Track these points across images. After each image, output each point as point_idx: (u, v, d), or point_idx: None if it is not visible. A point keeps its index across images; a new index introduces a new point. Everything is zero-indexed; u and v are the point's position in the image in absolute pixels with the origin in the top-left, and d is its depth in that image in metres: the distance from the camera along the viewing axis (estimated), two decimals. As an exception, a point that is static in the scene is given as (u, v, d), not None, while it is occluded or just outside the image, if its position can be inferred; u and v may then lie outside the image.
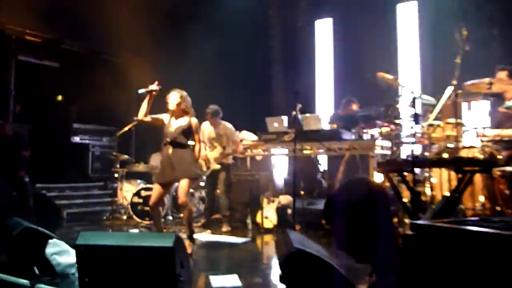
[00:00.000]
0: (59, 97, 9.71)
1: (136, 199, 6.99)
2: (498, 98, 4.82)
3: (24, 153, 6.38)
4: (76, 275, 3.52)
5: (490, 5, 7.17)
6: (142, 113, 4.98)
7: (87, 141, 9.09)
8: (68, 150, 8.89)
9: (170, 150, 4.93)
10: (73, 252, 3.63)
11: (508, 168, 3.79)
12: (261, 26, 9.53)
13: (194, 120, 4.98)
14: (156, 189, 4.90)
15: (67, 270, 3.73)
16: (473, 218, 1.59)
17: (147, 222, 6.75)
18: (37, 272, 3.63)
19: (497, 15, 7.12)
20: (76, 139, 9.03)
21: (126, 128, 7.69)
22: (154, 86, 4.95)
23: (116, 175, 7.63)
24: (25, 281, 3.41)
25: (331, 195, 1.91)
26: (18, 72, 8.40)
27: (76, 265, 3.49)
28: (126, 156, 7.81)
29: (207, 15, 8.59)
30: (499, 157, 4.37)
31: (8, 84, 8.22)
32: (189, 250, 4.82)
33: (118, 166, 7.61)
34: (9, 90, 8.18)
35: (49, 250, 3.79)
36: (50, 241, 3.85)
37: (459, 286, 1.24)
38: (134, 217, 6.94)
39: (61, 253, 3.80)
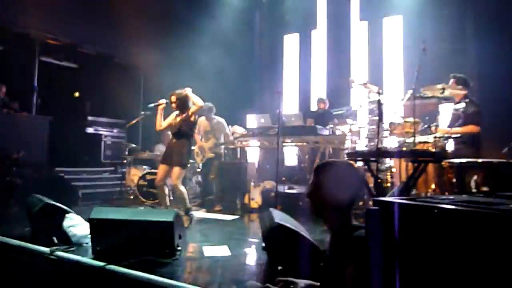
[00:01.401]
0: (76, 94, 9.60)
1: (142, 182, 6.95)
2: (449, 101, 4.89)
3: None
4: (90, 244, 3.52)
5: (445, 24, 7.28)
6: (158, 125, 5.13)
7: (100, 132, 9.00)
8: (83, 139, 8.80)
9: (173, 140, 5.07)
10: (87, 225, 3.62)
11: (455, 160, 3.85)
12: (249, 36, 9.52)
13: (191, 112, 5.00)
14: (161, 169, 4.98)
15: (81, 240, 3.73)
16: (423, 197, 1.63)
17: (151, 202, 6.72)
18: (56, 241, 3.61)
19: (450, 33, 7.24)
20: (90, 130, 8.94)
21: (133, 121, 7.67)
22: (161, 101, 5.06)
23: (124, 161, 7.64)
24: (45, 249, 3.39)
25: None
26: (41, 71, 8.28)
27: (90, 236, 3.49)
28: (133, 145, 7.79)
29: (206, 26, 8.54)
30: (448, 150, 4.45)
31: (32, 81, 8.09)
32: (187, 224, 4.86)
33: (126, 153, 7.58)
34: (33, 87, 8.07)
35: (66, 223, 3.78)
36: (67, 215, 3.84)
37: (410, 252, 1.27)
38: (140, 197, 6.91)
39: (77, 226, 3.79)
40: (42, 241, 3.59)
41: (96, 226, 3.40)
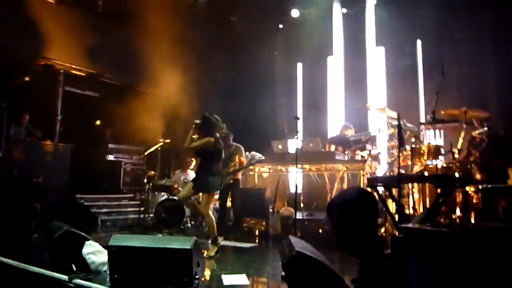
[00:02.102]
0: (98, 122, 9.82)
1: (160, 209, 6.95)
2: (470, 126, 4.79)
3: None
4: (108, 272, 3.50)
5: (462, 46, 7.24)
6: (187, 146, 5.04)
7: (120, 159, 9.13)
8: (103, 166, 8.92)
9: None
10: (105, 252, 3.60)
11: (481, 185, 3.73)
12: (267, 63, 9.64)
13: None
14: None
15: (100, 267, 3.70)
16: (447, 223, 1.57)
17: (169, 229, 6.68)
18: (74, 268, 3.60)
19: (468, 57, 7.18)
20: (111, 157, 9.07)
21: (152, 148, 7.75)
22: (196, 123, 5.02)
23: (144, 188, 7.68)
24: (64, 276, 3.38)
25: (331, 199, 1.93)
26: (64, 100, 8.53)
27: (108, 263, 3.47)
28: (152, 172, 7.85)
29: (225, 53, 8.71)
30: (476, 176, 4.33)
31: (55, 110, 8.34)
32: (213, 253, 4.74)
33: (145, 180, 7.63)
34: (56, 115, 8.30)
35: (85, 250, 3.78)
36: (86, 242, 3.84)
37: (437, 277, 1.21)
38: (158, 224, 6.89)
39: (95, 253, 3.78)
40: (61, 268, 3.58)
41: (115, 253, 3.38)
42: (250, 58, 8.92)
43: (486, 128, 4.58)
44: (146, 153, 7.89)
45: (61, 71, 8.50)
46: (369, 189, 5.26)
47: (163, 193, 7.50)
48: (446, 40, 7.35)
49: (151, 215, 7.33)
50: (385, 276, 1.53)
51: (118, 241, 3.46)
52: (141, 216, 7.36)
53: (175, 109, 8.58)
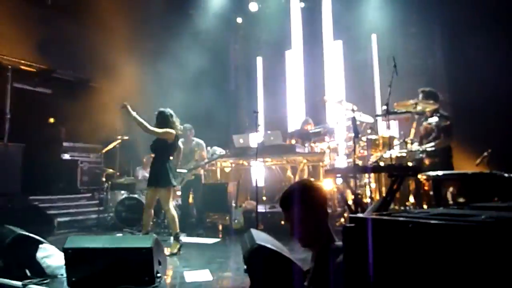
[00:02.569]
0: (51, 119, 9.40)
1: (120, 208, 6.80)
2: (421, 116, 5.01)
3: None
4: (65, 275, 3.39)
5: (414, 41, 7.55)
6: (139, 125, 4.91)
7: (76, 158, 8.82)
8: (58, 166, 8.58)
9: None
10: (61, 255, 3.49)
11: (431, 173, 3.92)
12: (226, 57, 9.60)
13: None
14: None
15: (56, 271, 3.59)
16: (399, 212, 1.65)
17: (130, 228, 6.56)
18: (28, 274, 3.47)
19: (420, 50, 7.51)
20: (66, 156, 8.74)
21: (110, 146, 7.54)
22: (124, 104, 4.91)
23: (102, 187, 7.46)
24: (18, 283, 3.25)
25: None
26: (13, 98, 8.10)
27: (65, 266, 3.37)
28: (110, 170, 7.63)
29: (182, 48, 8.57)
30: (425, 163, 4.54)
31: (3, 108, 7.90)
32: (176, 250, 4.72)
33: (104, 179, 7.43)
34: (5, 114, 7.87)
35: (39, 254, 3.65)
36: (40, 246, 3.70)
37: (388, 268, 1.27)
38: (119, 223, 6.73)
39: (51, 256, 3.66)
40: (14, 274, 3.44)
41: (71, 256, 3.28)
42: (210, 52, 8.85)
43: (436, 118, 4.80)
44: (103, 151, 7.66)
45: (9, 66, 8.05)
46: (327, 182, 5.42)
47: (123, 192, 7.33)
48: (399, 34, 7.62)
49: (111, 214, 7.15)
50: (337, 267, 1.59)
51: (74, 243, 3.37)
52: (101, 215, 7.16)
53: (132, 105, 8.38)
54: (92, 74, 8.96)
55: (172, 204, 4.95)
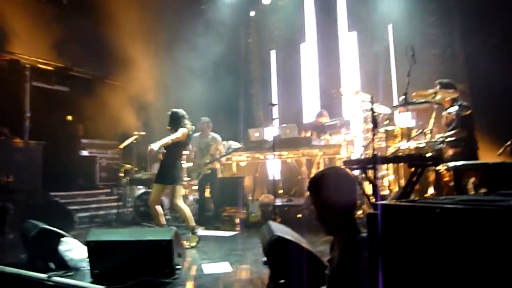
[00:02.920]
0: (69, 117, 9.57)
1: (138, 202, 6.89)
2: (441, 106, 4.92)
3: None
4: (88, 268, 3.46)
5: (433, 30, 7.40)
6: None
7: (94, 154, 8.97)
8: (77, 162, 8.75)
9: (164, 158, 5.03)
10: (84, 248, 3.56)
11: (452, 163, 3.85)
12: (239, 51, 9.58)
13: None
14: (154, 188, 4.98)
15: (79, 264, 3.67)
16: (422, 200, 1.63)
17: (149, 222, 6.64)
18: (52, 266, 3.55)
19: (439, 39, 7.36)
20: (85, 152, 8.90)
21: (127, 142, 7.63)
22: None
23: (121, 182, 7.58)
24: (43, 275, 3.33)
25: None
26: (32, 96, 8.27)
27: (87, 259, 3.44)
28: (128, 166, 7.74)
29: (197, 44, 8.60)
30: (446, 154, 4.47)
31: (23, 107, 8.08)
32: (194, 243, 4.78)
33: (122, 174, 7.54)
34: (25, 112, 8.04)
35: (62, 247, 3.73)
36: (63, 239, 3.78)
37: (412, 254, 1.26)
38: (137, 218, 6.83)
39: (73, 250, 3.74)
40: (38, 267, 3.52)
41: (94, 248, 3.35)
42: (223, 46, 8.85)
43: (456, 107, 4.71)
44: (121, 147, 7.77)
45: (27, 66, 8.23)
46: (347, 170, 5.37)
47: (140, 187, 7.43)
48: (417, 24, 7.48)
49: (129, 209, 7.26)
50: (362, 256, 1.56)
51: (97, 236, 3.43)
52: (120, 210, 7.27)
53: (148, 101, 8.47)
54: (109, 71, 9.09)
55: (182, 200, 5.01)
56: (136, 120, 8.54)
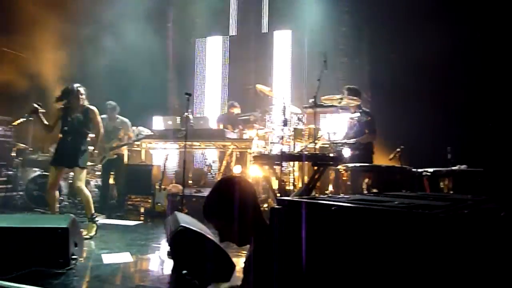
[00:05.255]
0: None
1: (31, 186, 6.30)
2: (346, 111, 5.31)
3: None
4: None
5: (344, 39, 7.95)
6: (45, 129, 4.72)
7: (-20, 130, 7.95)
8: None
9: (68, 138, 4.66)
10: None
11: (350, 164, 4.20)
12: (160, 35, 9.24)
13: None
14: (53, 171, 4.60)
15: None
16: (321, 197, 1.76)
17: (42, 209, 6.11)
18: None
19: (348, 48, 7.93)
20: (-32, 127, 7.85)
21: (22, 119, 6.88)
22: (35, 107, 4.62)
23: (12, 163, 6.84)
24: None
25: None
26: None
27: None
28: (22, 145, 7.02)
29: (115, 23, 8.07)
30: (345, 155, 4.84)
31: None
32: (93, 232, 4.52)
33: (13, 154, 6.81)
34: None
35: None
36: None
37: (310, 247, 1.36)
38: (29, 203, 6.25)
39: None
40: None
41: (-25, 235, 3.00)
42: (142, 28, 8.45)
43: (358, 114, 5.13)
44: (14, 123, 6.98)
45: None
46: (254, 168, 5.53)
47: (35, 169, 6.80)
48: (330, 31, 7.94)
49: (20, 193, 6.61)
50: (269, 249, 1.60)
51: (-21, 221, 3.08)
52: (8, 194, 6.58)
53: (50, 77, 7.75)
54: (4, 37, 8.09)
55: (85, 185, 4.74)
56: (35, 96, 7.76)
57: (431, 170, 3.92)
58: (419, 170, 4.05)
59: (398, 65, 6.60)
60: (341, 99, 4.81)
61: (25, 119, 6.26)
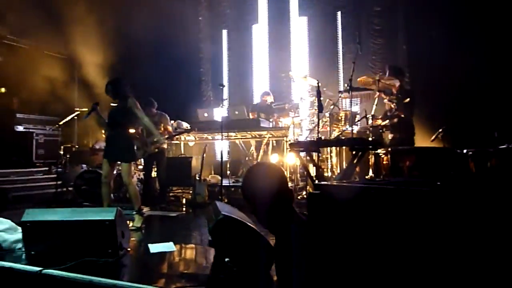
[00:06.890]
0: (2, 89, 8.87)
1: (79, 182, 6.61)
2: (386, 92, 5.15)
3: None
4: (23, 249, 3.30)
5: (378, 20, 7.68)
6: (104, 126, 4.85)
7: (31, 130, 8.41)
8: (11, 138, 8.16)
9: (111, 132, 4.78)
10: (19, 229, 3.38)
11: (389, 147, 4.09)
12: (189, 29, 9.32)
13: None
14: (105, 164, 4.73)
15: (13, 245, 3.47)
16: (360, 181, 1.73)
17: (90, 203, 6.40)
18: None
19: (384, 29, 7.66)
20: (20, 128, 8.32)
21: (68, 118, 7.24)
22: (94, 106, 4.74)
23: (61, 160, 7.21)
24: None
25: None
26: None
27: (23, 240, 3.27)
28: (69, 143, 7.39)
29: (147, 20, 8.23)
30: (387, 138, 4.72)
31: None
32: (139, 224, 4.66)
33: (61, 152, 7.17)
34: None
35: (-6, 228, 3.50)
36: (-5, 219, 3.56)
37: (352, 230, 1.34)
38: (78, 198, 6.57)
39: (7, 230, 3.53)
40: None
41: (30, 229, 3.19)
42: (173, 23, 8.57)
43: (394, 97, 4.97)
44: (61, 123, 7.35)
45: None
46: (291, 156, 5.51)
47: (82, 165, 7.12)
48: (363, 13, 7.71)
49: (69, 189, 6.95)
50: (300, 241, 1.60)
51: (33, 216, 3.27)
52: (58, 190, 6.94)
53: (92, 76, 8.04)
54: (49, 42, 8.47)
55: (134, 179, 4.88)
56: (79, 96, 8.11)
57: (475, 150, 3.74)
58: (464, 151, 3.88)
59: (440, 43, 6.29)
60: (378, 80, 4.68)
61: (74, 114, 6.58)
